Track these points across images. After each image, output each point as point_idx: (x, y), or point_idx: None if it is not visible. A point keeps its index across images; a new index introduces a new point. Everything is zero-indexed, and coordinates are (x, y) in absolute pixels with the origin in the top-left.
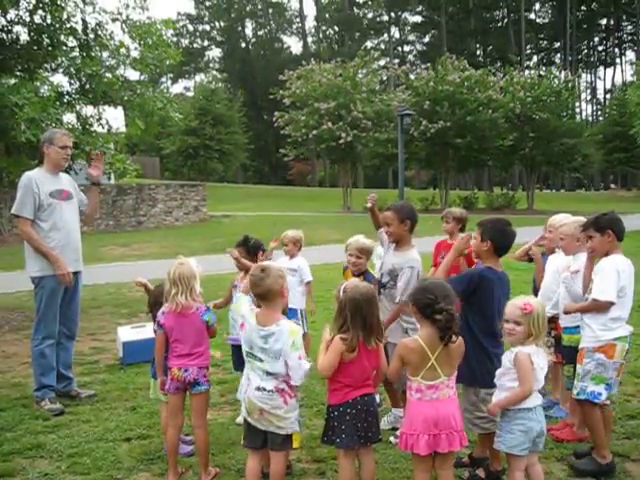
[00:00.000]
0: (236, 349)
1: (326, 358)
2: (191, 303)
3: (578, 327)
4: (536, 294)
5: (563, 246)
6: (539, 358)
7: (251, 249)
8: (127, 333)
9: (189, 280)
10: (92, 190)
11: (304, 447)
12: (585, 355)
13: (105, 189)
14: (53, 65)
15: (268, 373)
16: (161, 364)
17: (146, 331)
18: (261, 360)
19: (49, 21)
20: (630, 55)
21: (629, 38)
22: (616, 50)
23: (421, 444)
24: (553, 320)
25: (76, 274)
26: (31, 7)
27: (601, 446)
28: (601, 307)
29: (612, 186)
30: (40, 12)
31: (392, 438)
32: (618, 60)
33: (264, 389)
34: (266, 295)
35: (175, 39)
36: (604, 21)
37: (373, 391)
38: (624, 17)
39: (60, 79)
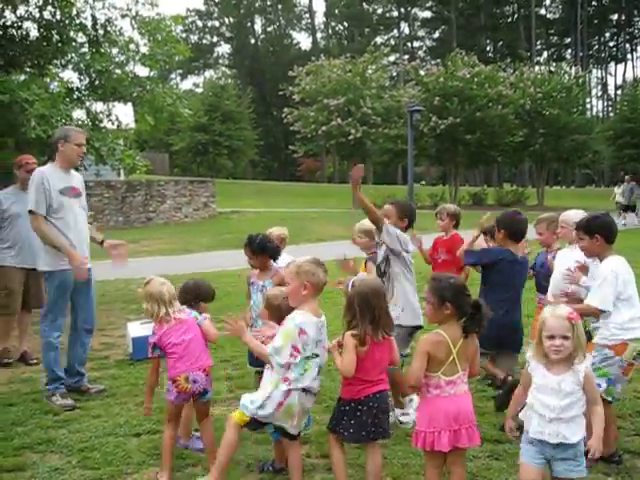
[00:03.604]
0: None
1: (345, 359)
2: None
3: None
4: (539, 288)
5: (562, 234)
6: None
7: (257, 248)
8: (136, 329)
9: (174, 294)
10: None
11: (313, 443)
12: (595, 349)
13: (115, 185)
14: (63, 61)
15: (319, 367)
16: (152, 391)
17: None
18: (317, 355)
19: (59, 17)
20: None
21: None
22: (627, 46)
23: (443, 441)
24: None
25: (88, 270)
26: (41, 3)
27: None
28: (592, 313)
29: None
30: (50, 8)
31: (401, 417)
32: (629, 56)
33: (311, 390)
34: (323, 288)
35: (184, 35)
36: (615, 16)
37: (387, 388)
38: (635, 12)
39: (70, 75)
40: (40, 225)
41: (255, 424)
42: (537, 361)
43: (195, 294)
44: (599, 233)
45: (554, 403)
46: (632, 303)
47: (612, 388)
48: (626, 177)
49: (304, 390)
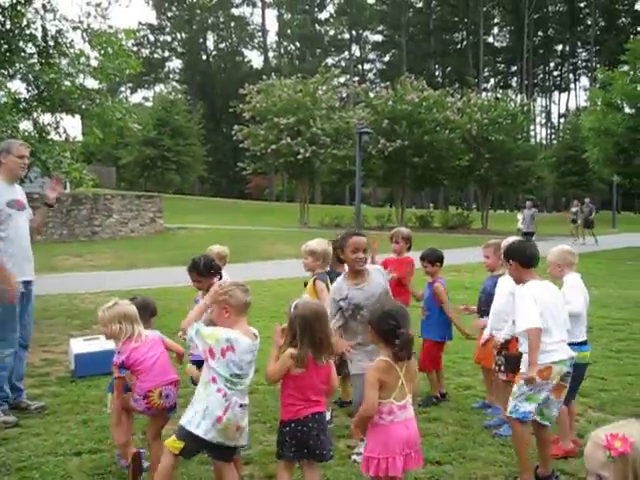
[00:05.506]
0: (197, 364)
1: (275, 367)
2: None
3: (582, 344)
4: (480, 313)
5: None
6: None
7: (203, 270)
8: (79, 345)
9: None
10: (42, 209)
11: (257, 463)
12: (521, 376)
13: (60, 198)
14: (10, 71)
15: (246, 386)
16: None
17: (99, 343)
18: (247, 375)
19: (8, 27)
20: (584, 81)
21: (583, 64)
22: (571, 76)
23: (398, 465)
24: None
25: (29, 283)
26: None
27: (524, 470)
28: (534, 335)
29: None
30: None
31: (355, 457)
32: (572, 85)
33: (245, 405)
34: (248, 307)
35: (136, 49)
36: (560, 47)
37: (324, 409)
38: (579, 44)
39: (17, 86)
40: None
41: (190, 450)
42: None
43: (149, 310)
44: (512, 258)
45: None
46: (554, 326)
47: (546, 411)
48: (527, 203)
49: (241, 406)
